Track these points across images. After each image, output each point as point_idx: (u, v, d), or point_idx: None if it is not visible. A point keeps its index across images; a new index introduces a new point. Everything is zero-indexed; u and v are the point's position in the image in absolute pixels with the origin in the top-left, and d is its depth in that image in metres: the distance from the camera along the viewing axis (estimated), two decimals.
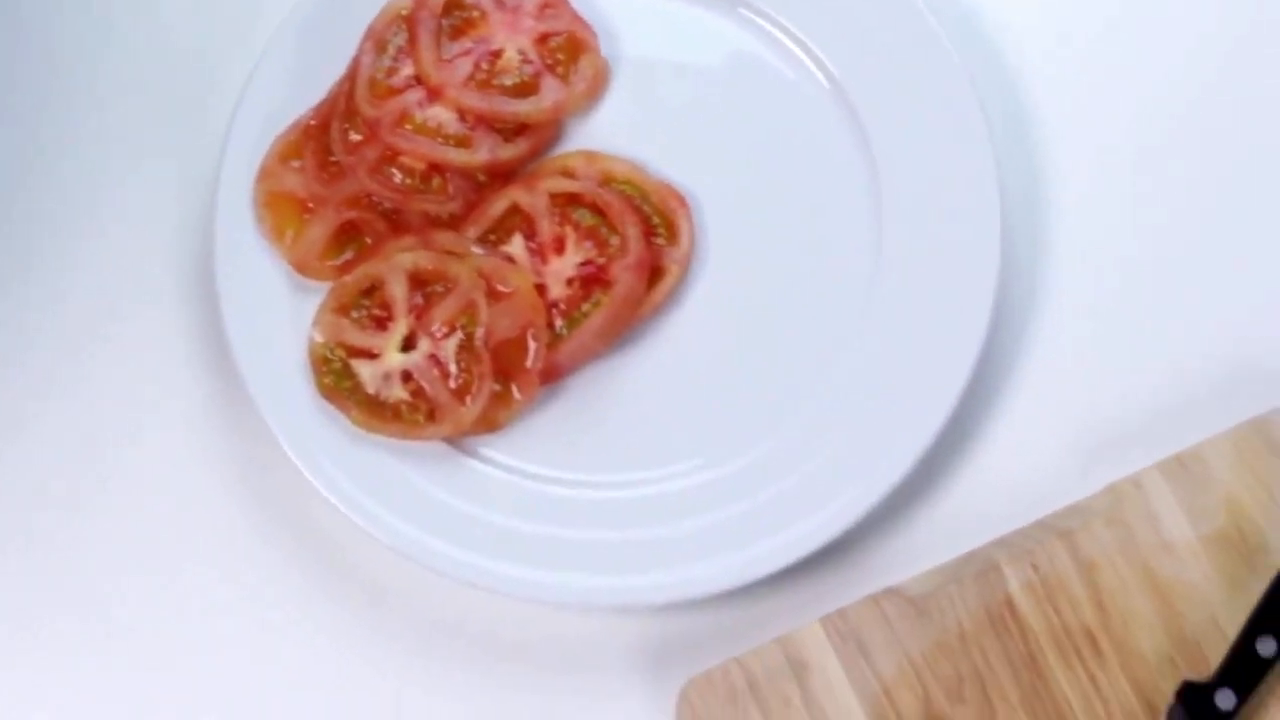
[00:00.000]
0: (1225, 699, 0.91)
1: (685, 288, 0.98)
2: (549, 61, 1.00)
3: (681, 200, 0.98)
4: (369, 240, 0.98)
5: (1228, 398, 0.98)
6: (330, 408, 0.95)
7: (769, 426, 0.96)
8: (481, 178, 0.99)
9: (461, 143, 0.99)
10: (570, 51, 1.00)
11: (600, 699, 0.94)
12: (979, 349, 0.95)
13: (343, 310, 0.96)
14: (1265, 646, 0.91)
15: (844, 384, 0.96)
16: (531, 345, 0.95)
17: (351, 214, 0.98)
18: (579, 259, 0.97)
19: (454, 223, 0.98)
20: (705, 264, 0.99)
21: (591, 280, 0.96)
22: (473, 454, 0.96)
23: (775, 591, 0.96)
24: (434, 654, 0.95)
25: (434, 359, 0.95)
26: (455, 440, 0.96)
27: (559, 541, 0.94)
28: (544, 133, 1.00)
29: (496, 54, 1.00)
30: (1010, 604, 0.94)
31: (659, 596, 0.93)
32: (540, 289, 0.96)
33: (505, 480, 0.95)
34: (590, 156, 0.99)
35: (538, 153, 1.00)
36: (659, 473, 0.96)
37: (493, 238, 0.98)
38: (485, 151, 0.98)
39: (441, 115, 0.99)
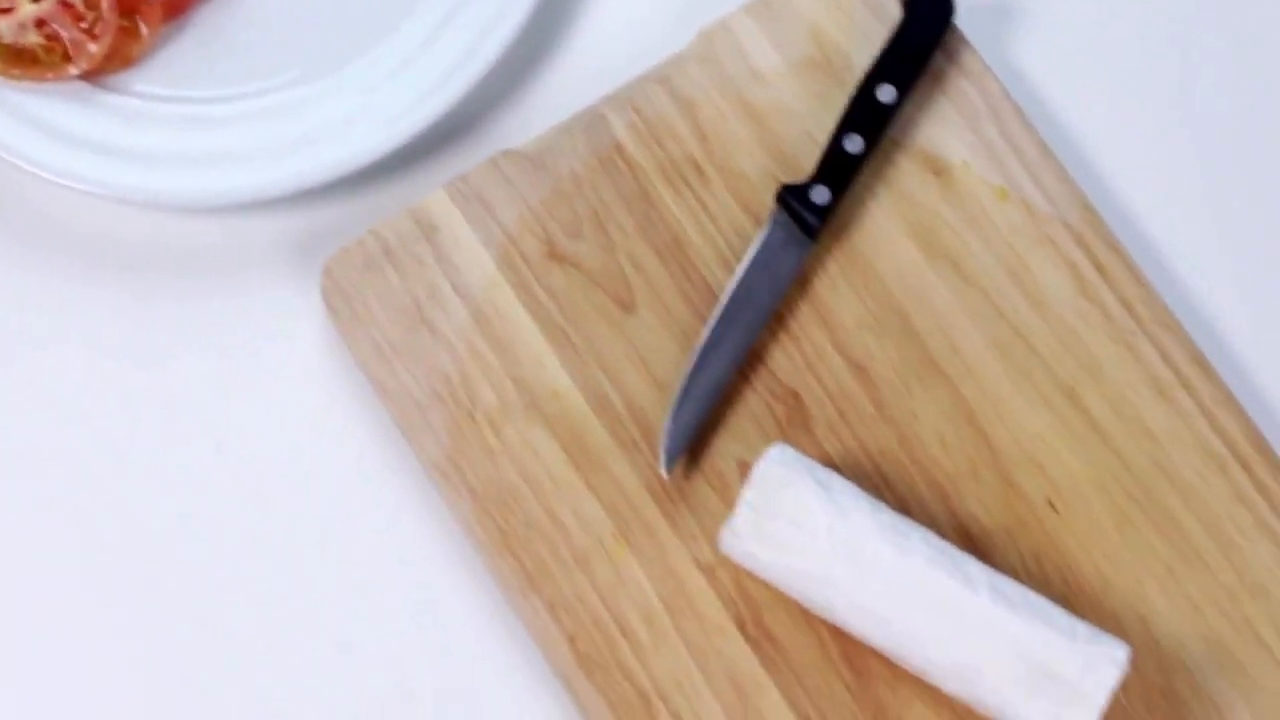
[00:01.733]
0: (820, 194, 0.92)
1: None
2: None
3: None
4: None
5: None
6: None
7: (380, 30, 0.97)
8: None
9: None
10: None
11: (252, 292, 0.95)
12: None
13: None
14: (853, 143, 0.93)
15: None
16: None
17: None
18: None
19: None
20: None
21: None
22: (115, 89, 0.97)
23: (406, 173, 0.96)
24: (102, 280, 0.95)
25: (63, 4, 0.96)
26: (95, 79, 0.96)
27: (201, 152, 0.95)
28: None
29: None
30: (618, 147, 0.95)
31: (299, 182, 0.94)
32: None
33: (145, 107, 0.96)
34: None
35: None
36: (283, 79, 0.96)
37: None
38: None
39: None
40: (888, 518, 0.85)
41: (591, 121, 0.95)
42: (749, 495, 0.85)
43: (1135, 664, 0.87)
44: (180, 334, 0.95)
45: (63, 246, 0.96)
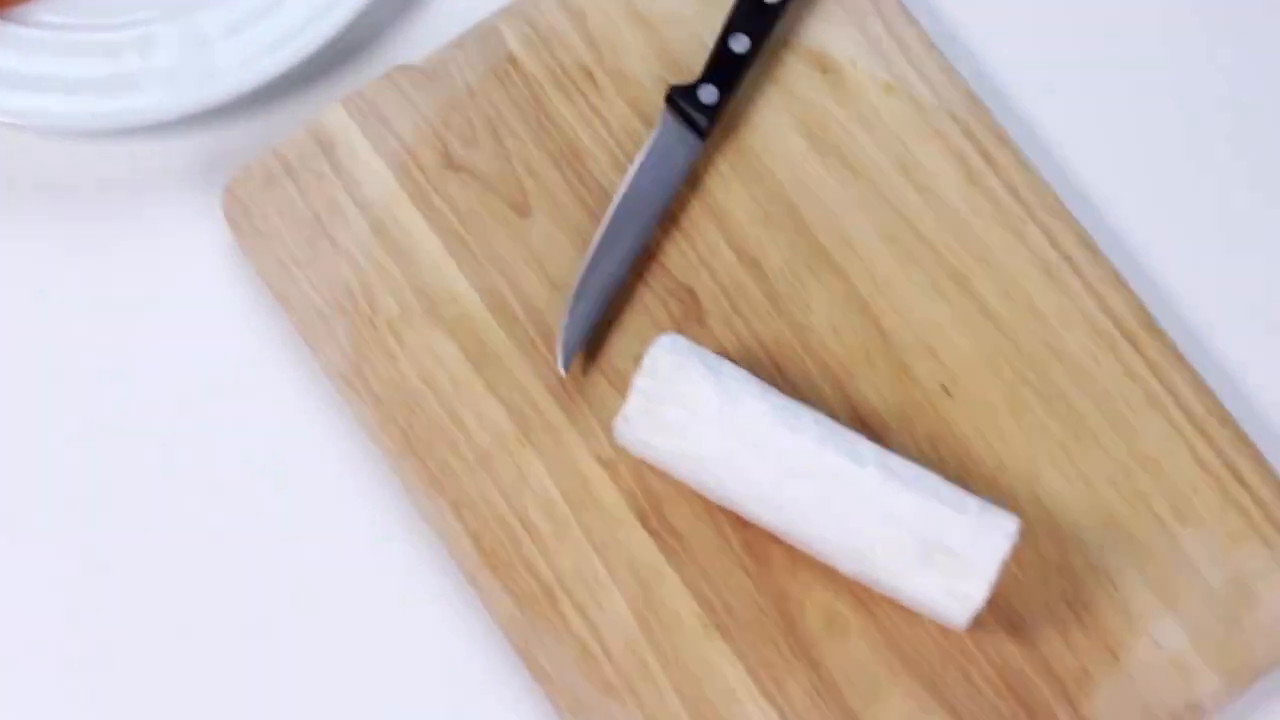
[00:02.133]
0: (708, 94, 0.93)
1: None
2: None
3: None
4: None
5: None
6: None
7: None
8: None
9: None
10: None
11: (157, 214, 0.95)
12: None
13: None
14: (739, 43, 0.93)
15: None
16: None
17: None
18: None
19: None
20: None
21: None
22: (18, 21, 0.98)
23: (305, 92, 0.97)
24: (3, 209, 0.97)
25: None
26: (4, 14, 0.98)
27: (106, 78, 0.95)
28: None
29: None
30: (512, 58, 0.95)
31: (202, 103, 0.94)
32: None
33: (49, 37, 0.97)
34: None
35: None
36: (182, 3, 0.97)
37: None
38: None
39: None
40: (779, 400, 0.86)
41: (485, 34, 0.95)
42: (640, 383, 0.86)
43: (1030, 541, 0.88)
44: (86, 258, 0.95)
45: None
